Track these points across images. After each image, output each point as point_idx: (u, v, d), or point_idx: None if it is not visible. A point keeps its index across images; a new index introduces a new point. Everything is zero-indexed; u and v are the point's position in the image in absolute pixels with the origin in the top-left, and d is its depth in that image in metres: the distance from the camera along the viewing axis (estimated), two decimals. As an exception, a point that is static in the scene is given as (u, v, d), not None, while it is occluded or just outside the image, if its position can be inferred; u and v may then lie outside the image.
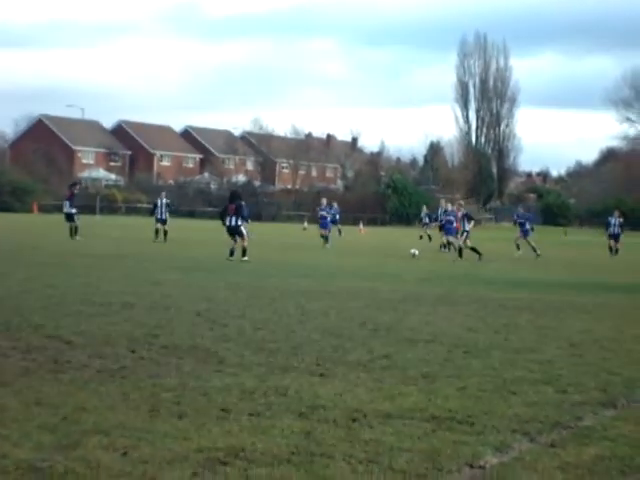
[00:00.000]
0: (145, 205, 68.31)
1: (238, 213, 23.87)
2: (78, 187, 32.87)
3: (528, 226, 32.41)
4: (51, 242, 28.20)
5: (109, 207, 73.44)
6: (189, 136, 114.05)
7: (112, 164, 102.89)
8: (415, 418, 6.30)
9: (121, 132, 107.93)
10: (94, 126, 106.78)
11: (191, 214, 71.19)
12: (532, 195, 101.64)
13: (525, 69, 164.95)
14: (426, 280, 19.02)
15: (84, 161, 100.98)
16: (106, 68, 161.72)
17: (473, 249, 28.00)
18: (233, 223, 23.72)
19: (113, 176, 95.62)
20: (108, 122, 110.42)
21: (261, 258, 23.64)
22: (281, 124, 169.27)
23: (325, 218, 35.93)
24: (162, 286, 15.10)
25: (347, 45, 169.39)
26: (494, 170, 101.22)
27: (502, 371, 8.14)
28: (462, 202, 36.06)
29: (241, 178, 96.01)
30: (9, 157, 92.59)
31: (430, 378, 7.72)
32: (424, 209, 43.41)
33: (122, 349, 8.57)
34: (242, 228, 23.73)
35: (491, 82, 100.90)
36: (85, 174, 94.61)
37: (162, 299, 13.02)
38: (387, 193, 78.02)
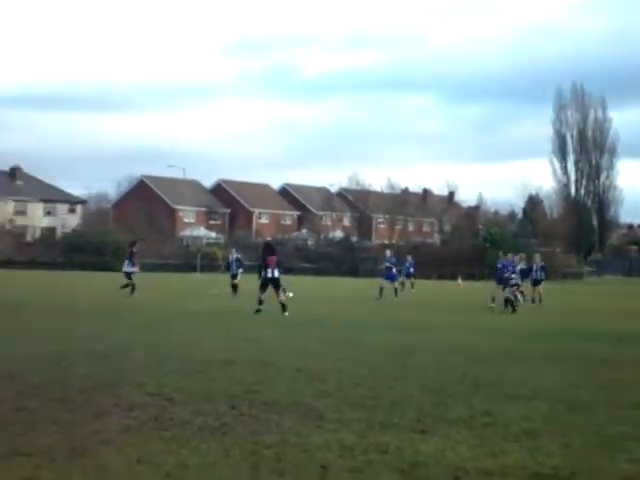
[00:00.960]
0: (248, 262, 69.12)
1: (279, 265, 23.80)
2: (137, 246, 34.05)
3: None
4: (150, 301, 28.73)
5: (210, 265, 74.55)
6: (287, 194, 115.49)
7: (212, 222, 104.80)
8: (518, 476, 6.18)
9: (220, 191, 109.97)
10: (194, 185, 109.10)
11: (288, 270, 71.75)
12: (634, 247, 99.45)
13: (622, 119, 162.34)
14: (525, 335, 18.71)
15: (185, 220, 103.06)
16: (205, 129, 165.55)
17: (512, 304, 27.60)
18: (276, 275, 23.36)
19: (213, 234, 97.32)
20: (208, 181, 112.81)
21: (353, 312, 23.59)
22: (377, 180, 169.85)
23: (390, 269, 35.76)
24: (259, 342, 15.21)
25: (442, 100, 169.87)
26: (595, 222, 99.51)
27: (607, 427, 7.93)
28: (524, 255, 34.51)
29: (338, 234, 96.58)
30: (112, 218, 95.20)
31: (532, 434, 7.56)
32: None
33: (222, 406, 8.64)
34: (281, 281, 23.68)
35: (590, 133, 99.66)
36: (186, 233, 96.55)
37: (260, 355, 13.11)
38: (485, 246, 77.28)
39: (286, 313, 22.48)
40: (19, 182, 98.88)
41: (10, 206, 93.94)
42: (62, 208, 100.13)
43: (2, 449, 6.54)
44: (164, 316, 21.63)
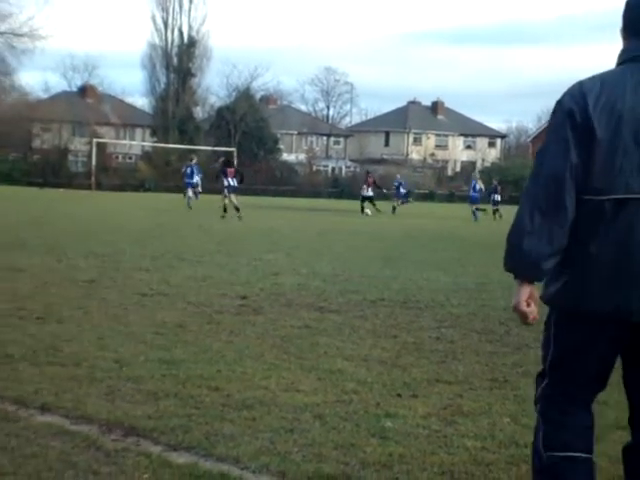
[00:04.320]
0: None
1: None
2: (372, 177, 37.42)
3: None
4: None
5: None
6: None
7: None
8: None
9: None
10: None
11: None
12: None
13: None
14: None
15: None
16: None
17: None
18: None
19: None
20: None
21: None
22: None
23: None
24: None
25: None
26: None
27: None
28: None
29: None
30: (530, 152, 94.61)
31: None
32: None
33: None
34: None
35: None
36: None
37: None
38: None
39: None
40: (440, 116, 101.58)
41: (431, 140, 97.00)
42: (482, 142, 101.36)
43: (424, 376, 6.69)
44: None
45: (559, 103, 3.41)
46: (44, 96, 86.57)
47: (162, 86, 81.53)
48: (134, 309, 9.34)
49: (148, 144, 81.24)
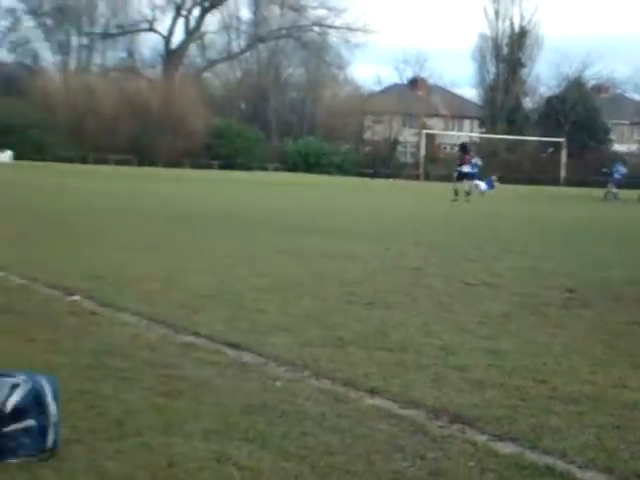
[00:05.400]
0: None
1: None
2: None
3: None
4: None
5: None
6: None
7: None
8: None
9: None
10: None
11: None
12: None
13: None
14: None
15: None
16: None
17: None
18: None
19: None
20: None
21: None
22: None
23: None
24: None
25: None
26: None
27: None
28: None
29: None
30: None
31: None
32: None
33: None
34: None
35: None
36: None
37: None
38: None
39: None
40: None
41: None
42: None
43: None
44: None
45: None
46: (376, 89, 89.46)
47: (491, 77, 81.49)
48: (459, 298, 9.40)
49: (476, 135, 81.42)
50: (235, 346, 6.56)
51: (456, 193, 32.49)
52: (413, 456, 4.38)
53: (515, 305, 9.06)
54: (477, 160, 42.35)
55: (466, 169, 33.54)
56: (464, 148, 36.43)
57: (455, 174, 34.38)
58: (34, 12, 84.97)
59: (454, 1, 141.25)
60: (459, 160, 34.88)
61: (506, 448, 4.55)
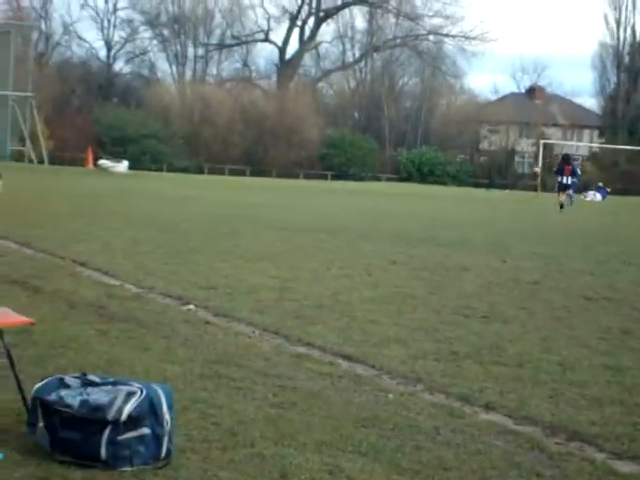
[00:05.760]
0: None
1: None
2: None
3: None
4: None
5: None
6: None
7: None
8: None
9: None
10: None
11: None
12: None
13: None
14: None
15: None
16: None
17: None
18: None
19: None
20: None
21: None
22: None
23: None
24: None
25: None
26: None
27: None
28: None
29: None
30: None
31: None
32: None
33: None
34: None
35: None
36: None
37: None
38: None
39: None
40: None
41: None
42: None
43: None
44: None
45: None
46: (492, 98, 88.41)
47: (612, 86, 79.57)
48: (578, 312, 9.17)
49: (596, 145, 79.60)
50: (348, 357, 6.54)
51: (561, 206, 32.37)
52: (529, 473, 4.28)
53: (636, 320, 8.80)
54: (578, 169, 41.77)
55: (566, 180, 33.09)
56: (567, 158, 35.80)
57: (556, 185, 34.43)
58: (151, 23, 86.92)
59: (573, 8, 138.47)
60: (557, 168, 34.73)
61: (625, 467, 4.41)
